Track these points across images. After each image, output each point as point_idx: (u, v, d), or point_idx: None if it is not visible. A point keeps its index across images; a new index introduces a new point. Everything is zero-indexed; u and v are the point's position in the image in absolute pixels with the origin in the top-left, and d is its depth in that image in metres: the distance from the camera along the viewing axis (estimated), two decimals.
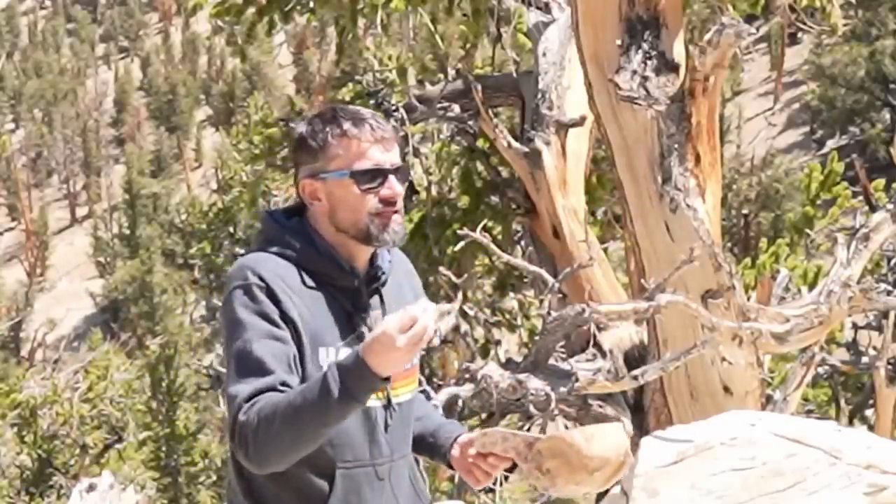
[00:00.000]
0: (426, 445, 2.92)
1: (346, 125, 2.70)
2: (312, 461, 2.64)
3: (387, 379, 2.46)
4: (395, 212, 2.71)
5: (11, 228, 62.79)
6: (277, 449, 2.49)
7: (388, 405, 2.73)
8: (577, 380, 6.07)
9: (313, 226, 2.74)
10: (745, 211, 31.59)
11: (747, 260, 11.57)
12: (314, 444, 2.53)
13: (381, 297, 2.77)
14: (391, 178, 2.70)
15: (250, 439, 2.48)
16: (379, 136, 2.71)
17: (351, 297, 2.72)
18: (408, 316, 2.43)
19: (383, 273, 2.77)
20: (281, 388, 2.54)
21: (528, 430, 6.82)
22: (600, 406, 6.83)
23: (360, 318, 2.72)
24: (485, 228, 6.87)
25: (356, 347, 2.48)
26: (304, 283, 2.68)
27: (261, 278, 2.63)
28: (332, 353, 2.66)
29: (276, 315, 2.61)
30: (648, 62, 6.05)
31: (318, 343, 2.65)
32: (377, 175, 2.69)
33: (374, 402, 2.69)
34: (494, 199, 9.49)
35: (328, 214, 2.72)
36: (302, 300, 2.65)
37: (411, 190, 10.24)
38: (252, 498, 2.72)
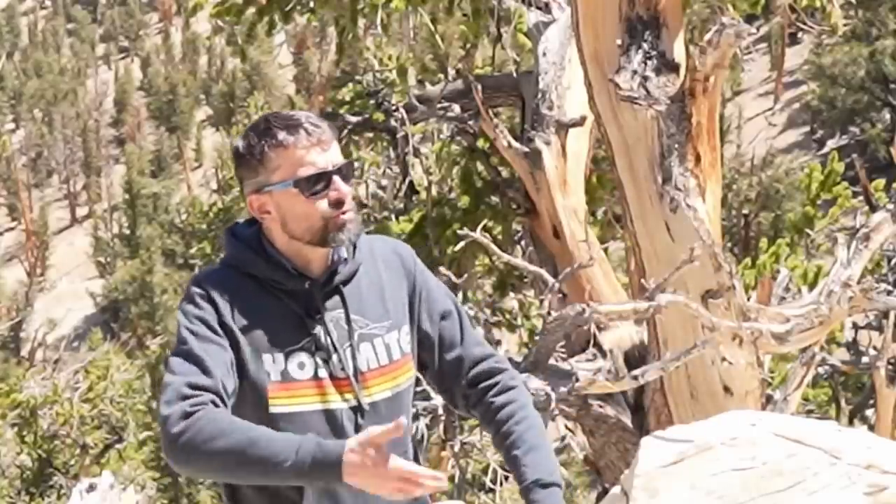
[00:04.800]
0: (512, 466, 2.80)
1: (281, 134, 2.65)
2: None
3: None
4: (347, 211, 2.66)
5: (11, 228, 62.78)
6: (206, 462, 2.48)
7: (357, 406, 2.69)
8: (577, 380, 6.06)
9: (267, 236, 2.72)
10: (745, 211, 31.63)
11: (747, 260, 11.57)
12: (234, 480, 2.57)
13: (342, 296, 2.73)
14: (335, 178, 2.66)
15: (188, 436, 2.46)
16: (315, 139, 2.66)
17: (303, 300, 2.69)
18: (411, 470, 2.42)
19: (337, 273, 2.73)
20: (222, 390, 2.56)
21: None
22: (600, 406, 6.83)
23: (314, 320, 2.69)
24: (485, 228, 6.88)
25: (343, 442, 2.45)
26: (251, 291, 2.67)
27: (203, 289, 2.66)
28: (279, 359, 2.65)
29: (214, 322, 2.62)
30: (648, 62, 6.05)
31: (261, 350, 2.64)
32: (320, 179, 2.65)
33: (336, 403, 2.67)
34: (494, 199, 9.50)
35: (280, 225, 2.69)
36: (247, 309, 2.66)
37: (411, 190, 10.25)
38: (230, 493, 2.74)
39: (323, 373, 2.67)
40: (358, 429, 2.66)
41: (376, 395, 2.71)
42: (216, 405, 2.52)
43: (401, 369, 2.76)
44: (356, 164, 11.09)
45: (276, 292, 2.68)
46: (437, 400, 5.97)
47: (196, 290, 2.66)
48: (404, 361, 2.78)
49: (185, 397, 2.51)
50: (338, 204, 2.66)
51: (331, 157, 2.67)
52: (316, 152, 2.65)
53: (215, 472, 2.54)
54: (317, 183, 2.65)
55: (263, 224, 2.72)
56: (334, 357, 2.68)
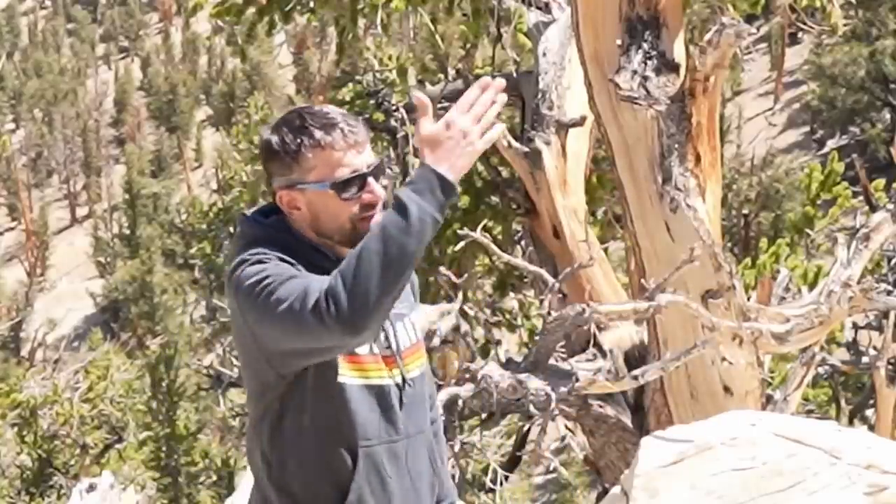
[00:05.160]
0: None
1: (319, 134, 2.63)
2: (337, 440, 2.65)
3: (454, 189, 2.43)
4: (374, 215, 2.66)
5: (11, 228, 62.79)
6: (371, 289, 2.39)
7: (402, 381, 2.73)
8: (577, 380, 6.06)
9: (294, 227, 2.71)
10: (745, 211, 31.62)
11: (747, 260, 11.58)
12: (402, 277, 2.44)
13: None
14: (370, 180, 2.66)
15: (341, 294, 2.39)
16: (352, 141, 2.65)
17: None
18: (466, 98, 2.44)
19: None
20: None
21: (528, 430, 6.83)
22: (600, 406, 6.83)
23: None
24: (485, 228, 6.88)
25: (416, 171, 2.46)
26: (298, 267, 2.63)
27: (259, 252, 2.61)
28: None
29: (290, 266, 2.58)
30: (648, 62, 6.05)
31: None
32: (356, 181, 2.65)
33: (386, 379, 2.70)
34: (494, 199, 9.50)
35: (309, 222, 2.69)
36: None
37: None
38: (275, 483, 2.70)
39: (376, 349, 2.71)
40: (402, 404, 2.71)
41: (412, 371, 2.77)
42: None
43: (422, 349, 2.85)
44: None
45: (317, 272, 2.61)
46: (439, 400, 5.96)
47: (252, 255, 2.60)
48: (422, 343, 2.86)
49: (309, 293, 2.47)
50: (369, 206, 2.67)
51: (366, 157, 2.68)
52: (352, 154, 2.65)
53: (385, 290, 2.42)
54: (352, 185, 2.65)
55: (290, 217, 2.70)
56: (381, 335, 2.71)
